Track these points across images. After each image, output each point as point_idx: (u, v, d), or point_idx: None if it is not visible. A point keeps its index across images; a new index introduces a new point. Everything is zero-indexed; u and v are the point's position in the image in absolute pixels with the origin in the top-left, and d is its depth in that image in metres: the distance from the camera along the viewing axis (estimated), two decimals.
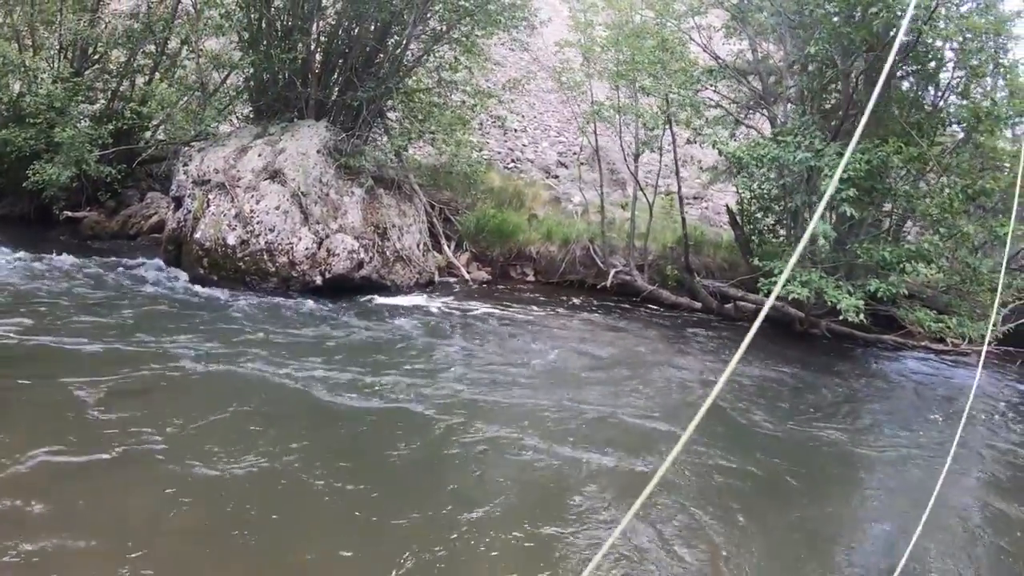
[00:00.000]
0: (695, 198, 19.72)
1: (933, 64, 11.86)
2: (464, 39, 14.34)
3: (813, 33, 12.19)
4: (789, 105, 14.35)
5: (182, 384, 6.81)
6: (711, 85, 14.44)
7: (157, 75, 14.50)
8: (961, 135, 12.77)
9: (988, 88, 12.48)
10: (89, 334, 7.68)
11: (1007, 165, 12.36)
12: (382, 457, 5.91)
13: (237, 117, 14.67)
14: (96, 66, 14.28)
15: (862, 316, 10.71)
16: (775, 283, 10.91)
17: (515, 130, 19.10)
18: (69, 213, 13.40)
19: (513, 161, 19.21)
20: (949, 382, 12.14)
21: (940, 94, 12.65)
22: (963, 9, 11.96)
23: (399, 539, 4.73)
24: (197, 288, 10.43)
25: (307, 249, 10.84)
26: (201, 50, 13.74)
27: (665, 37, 13.87)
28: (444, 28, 13.92)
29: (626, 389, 8.85)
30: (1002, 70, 12.27)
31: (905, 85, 13.05)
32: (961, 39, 11.21)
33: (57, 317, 8.19)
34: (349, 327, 9.53)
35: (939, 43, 11.27)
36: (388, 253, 11.98)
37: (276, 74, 13.14)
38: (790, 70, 13.88)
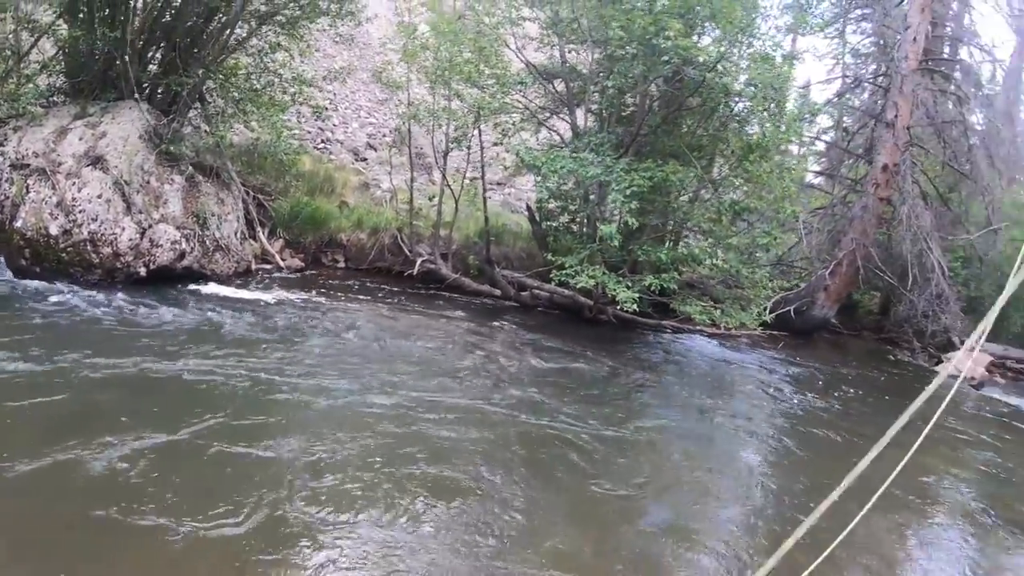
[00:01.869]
0: (499, 183, 20.82)
1: (716, 101, 13.44)
2: (289, 24, 14.61)
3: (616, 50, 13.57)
4: (590, 115, 15.79)
5: None
6: (520, 91, 15.61)
7: None
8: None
9: (764, 119, 14.24)
10: None
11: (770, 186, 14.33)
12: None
13: (51, 89, 14.16)
14: None
15: (636, 306, 12.69)
16: (568, 275, 12.57)
17: (326, 109, 19.50)
18: None
19: (323, 142, 19.64)
20: (721, 360, 14.87)
21: (720, 124, 14.33)
22: (749, 51, 13.66)
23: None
24: (20, 280, 10.50)
25: (131, 240, 11.14)
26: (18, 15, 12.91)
27: (482, 46, 14.83)
28: (271, 10, 14.13)
29: (429, 370, 10.07)
30: (774, 108, 14.13)
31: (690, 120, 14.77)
32: (740, 85, 12.88)
33: None
34: (168, 319, 9.97)
35: (724, 82, 12.78)
36: (208, 243, 12.44)
37: (96, 49, 12.77)
38: (593, 80, 15.14)
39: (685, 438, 9.38)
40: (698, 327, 15.43)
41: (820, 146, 27.71)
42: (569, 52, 16.11)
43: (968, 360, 20.10)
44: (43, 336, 8.33)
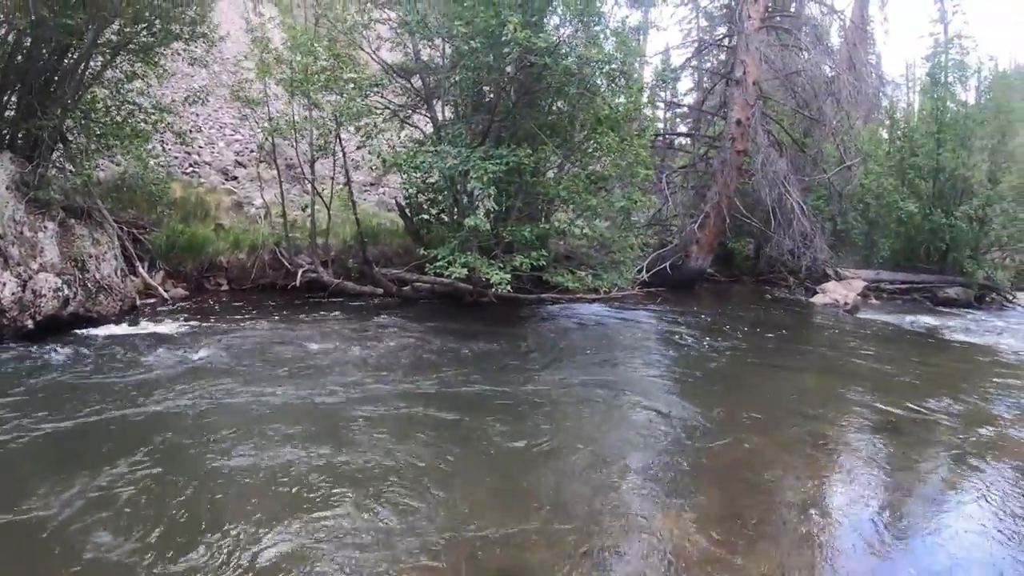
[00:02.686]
0: (372, 184, 21.26)
1: (562, 82, 14.13)
2: (143, 51, 14.68)
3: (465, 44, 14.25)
4: (448, 108, 16.43)
5: None
6: (378, 92, 16.13)
7: None
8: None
9: (609, 93, 15.06)
10: None
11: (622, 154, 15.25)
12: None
13: None
14: None
15: (509, 287, 13.65)
16: (441, 267, 13.34)
17: (190, 131, 19.60)
18: None
19: (191, 166, 19.75)
20: (607, 321, 16.30)
21: (569, 103, 15.07)
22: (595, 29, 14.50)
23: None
24: None
25: (13, 294, 11.19)
26: None
27: (336, 52, 15.27)
28: (124, 40, 14.12)
29: (324, 371, 10.63)
30: (621, 80, 14.97)
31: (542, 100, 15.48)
32: (578, 67, 13.60)
33: None
34: (56, 369, 10.02)
35: (565, 64, 13.47)
36: (90, 285, 12.59)
37: None
38: (447, 74, 15.72)
39: (587, 390, 10.34)
40: (577, 295, 16.34)
41: (684, 108, 28.95)
42: (422, 48, 16.60)
43: (841, 288, 21.51)
44: None
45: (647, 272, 19.49)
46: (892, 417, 9.77)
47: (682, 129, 29.49)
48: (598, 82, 14.30)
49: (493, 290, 14.65)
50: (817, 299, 21.20)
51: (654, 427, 8.94)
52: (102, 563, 5.32)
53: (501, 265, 13.78)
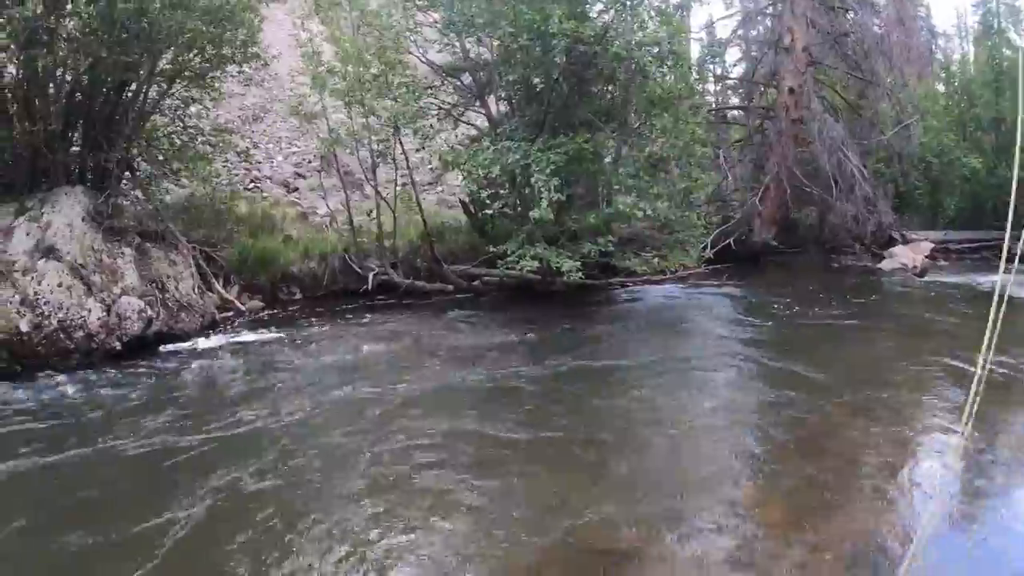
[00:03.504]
0: (431, 184, 21.56)
1: (613, 68, 14.32)
2: (198, 77, 15.14)
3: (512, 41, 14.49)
4: (502, 102, 16.68)
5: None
6: (431, 94, 16.44)
7: None
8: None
9: (661, 79, 15.15)
10: None
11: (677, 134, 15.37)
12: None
13: None
14: None
15: (580, 274, 13.96)
16: (512, 261, 13.59)
17: (248, 150, 20.08)
18: None
19: (252, 181, 20.24)
20: (676, 301, 16.60)
21: (621, 88, 15.23)
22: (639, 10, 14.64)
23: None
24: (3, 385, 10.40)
25: (99, 319, 11.71)
26: None
27: (387, 59, 15.59)
28: (178, 68, 14.58)
29: (407, 367, 11.17)
30: (669, 66, 15.07)
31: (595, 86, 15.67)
32: (627, 52, 13.73)
33: None
34: (151, 385, 10.54)
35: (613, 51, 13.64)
36: (171, 304, 13.10)
37: (18, 146, 13.29)
38: (497, 69, 15.97)
39: (665, 368, 10.76)
40: (645, 277, 16.49)
41: (735, 81, 28.71)
42: (470, 47, 16.87)
43: (909, 251, 21.34)
44: (43, 428, 8.80)
45: (712, 249, 19.49)
46: (970, 378, 9.67)
47: (734, 102, 29.27)
48: (648, 64, 14.40)
49: (562, 278, 14.85)
50: (885, 264, 21.10)
51: (734, 401, 9.26)
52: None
53: (569, 254, 14.00)
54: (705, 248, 18.62)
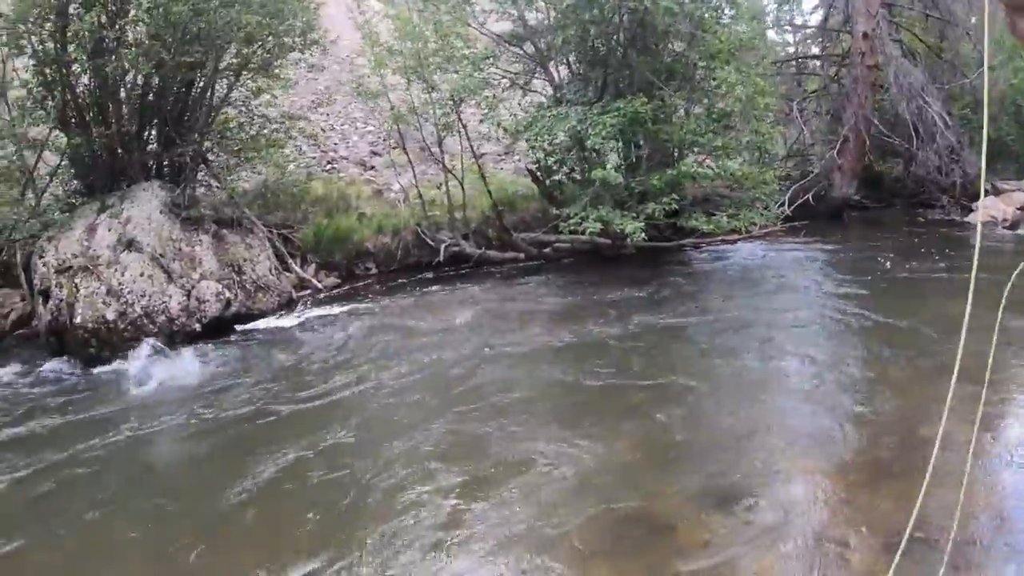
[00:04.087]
0: (506, 153, 21.91)
1: (665, 24, 14.42)
2: (263, 68, 15.78)
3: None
4: (563, 67, 16.91)
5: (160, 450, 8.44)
6: (493, 64, 16.75)
7: None
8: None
9: (721, 31, 15.14)
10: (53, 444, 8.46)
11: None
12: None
13: (65, 192, 15.36)
14: None
15: (644, 235, 14.23)
16: (575, 223, 13.99)
17: (324, 131, 20.75)
18: None
19: (329, 162, 20.83)
20: (754, 261, 16.39)
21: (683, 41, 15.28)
22: None
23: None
24: (94, 369, 11.50)
25: (180, 303, 12.49)
26: (24, 139, 14.22)
27: (445, 33, 15.99)
28: (243, 61, 15.28)
29: (484, 331, 11.85)
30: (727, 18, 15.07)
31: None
32: (679, 6, 13.83)
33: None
34: (242, 358, 11.47)
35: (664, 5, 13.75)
36: (248, 286, 13.79)
37: (96, 148, 14.15)
38: (555, 36, 16.21)
39: (734, 332, 10.84)
40: (719, 237, 16.48)
41: (811, 28, 28.15)
42: (528, 13, 17.11)
43: (1000, 203, 20.77)
44: (141, 405, 9.74)
45: (789, 206, 19.21)
46: None
47: (814, 51, 28.68)
48: (703, 17, 14.42)
49: (629, 241, 15.06)
50: (973, 217, 20.50)
51: (802, 369, 9.18)
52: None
53: (634, 215, 14.19)
54: (782, 205, 18.46)
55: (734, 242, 17.20)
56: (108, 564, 6.05)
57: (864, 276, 13.93)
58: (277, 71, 16.09)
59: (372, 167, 21.07)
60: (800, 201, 19.91)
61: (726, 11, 15.11)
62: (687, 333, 10.89)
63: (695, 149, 15.78)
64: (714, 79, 15.12)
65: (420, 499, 6.31)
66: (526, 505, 6.12)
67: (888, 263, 14.81)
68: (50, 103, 13.90)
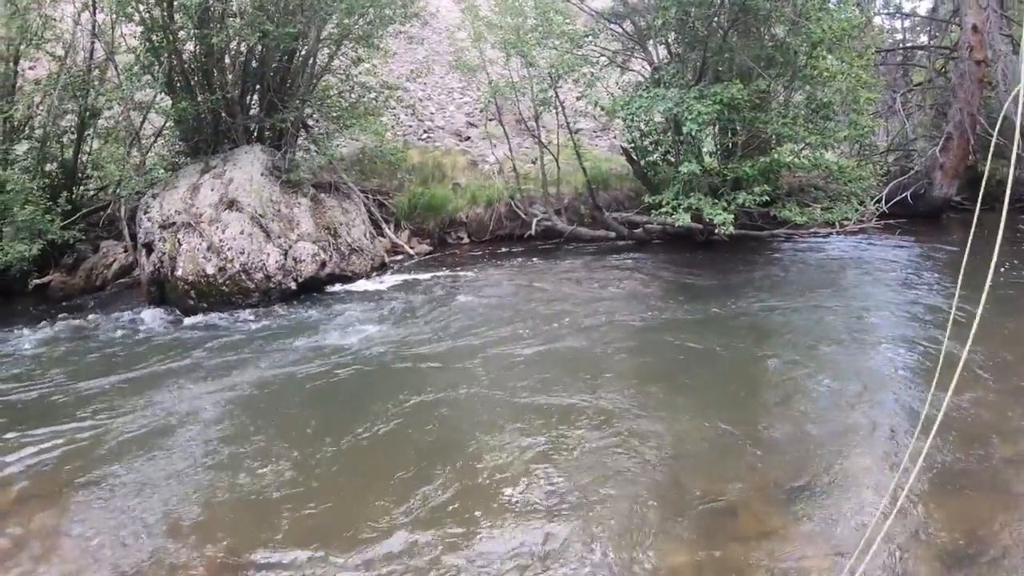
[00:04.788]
0: (603, 130, 22.10)
1: (767, 8, 14.40)
2: (363, 38, 16.37)
3: None
4: (662, 47, 16.96)
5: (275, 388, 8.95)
6: (592, 41, 16.91)
7: (86, 133, 15.21)
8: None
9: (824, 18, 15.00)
10: (152, 382, 9.34)
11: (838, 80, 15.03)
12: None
13: (170, 152, 16.22)
14: (26, 138, 14.79)
15: (731, 227, 13.95)
16: (666, 212, 14.22)
17: (420, 100, 21.22)
18: (38, 280, 13.99)
19: (425, 132, 21.32)
20: (845, 256, 15.88)
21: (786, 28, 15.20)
22: None
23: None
24: (191, 319, 12.33)
25: (277, 262, 13.11)
26: (131, 102, 14.98)
27: (544, 10, 16.22)
28: (343, 31, 15.89)
29: (572, 305, 12.10)
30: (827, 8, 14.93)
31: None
32: None
33: (106, 374, 9.76)
34: (327, 316, 12.04)
35: None
36: (343, 248, 14.36)
37: (202, 111, 14.90)
38: (656, 15, 16.25)
39: (821, 328, 10.66)
40: (811, 229, 16.30)
41: (920, 17, 27.55)
42: None
43: None
44: (241, 353, 10.32)
45: (887, 202, 18.89)
46: None
47: (923, 41, 28.03)
48: (806, 3, 14.34)
49: (720, 229, 15.05)
50: None
51: (886, 371, 8.94)
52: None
53: (725, 204, 14.25)
54: (879, 201, 18.14)
55: (826, 235, 17.02)
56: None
57: (966, 278, 13.25)
58: (376, 41, 16.56)
59: (467, 138, 21.48)
60: (898, 198, 19.54)
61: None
62: (781, 323, 10.89)
63: (791, 139, 15.62)
64: (815, 68, 14.96)
65: (507, 448, 6.85)
66: (599, 469, 6.50)
67: (984, 270, 13.97)
68: (157, 69, 14.71)
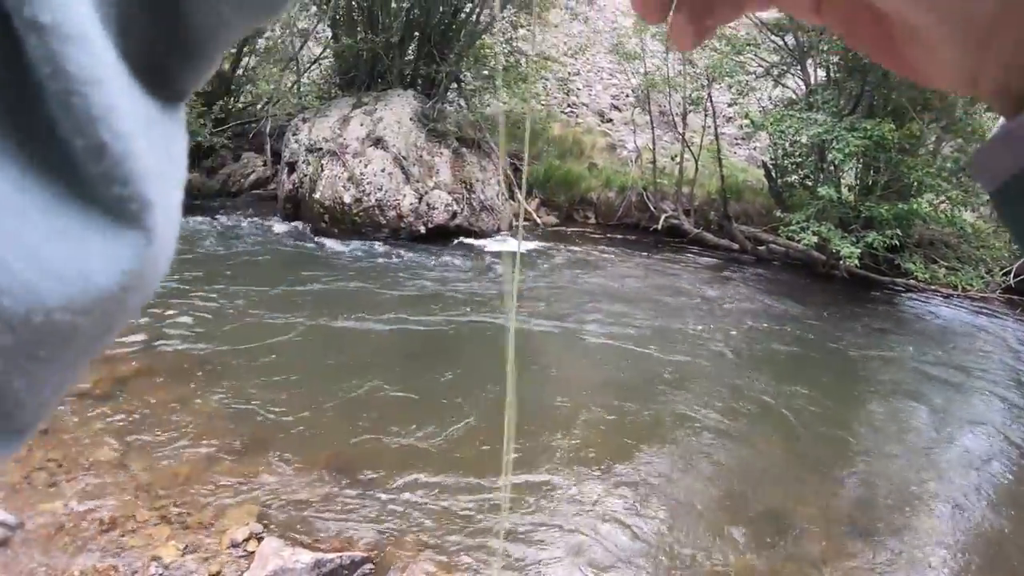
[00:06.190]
0: (743, 139, 22.14)
1: None
2: (527, 6, 16.76)
3: None
4: (820, 69, 16.89)
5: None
6: (752, 49, 16.98)
7: (245, 49, 16.19)
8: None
9: None
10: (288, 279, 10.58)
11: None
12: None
13: (325, 82, 17.04)
14: None
15: (857, 262, 13.94)
16: (794, 231, 14.29)
17: (569, 74, 21.58)
18: None
19: (569, 106, 21.74)
20: (959, 324, 14.88)
21: None
22: None
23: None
24: (323, 239, 13.33)
25: (411, 204, 13.89)
26: (295, 28, 16.06)
27: None
28: None
29: (665, 309, 12.27)
30: None
31: None
32: None
33: (243, 270, 11.01)
34: (452, 266, 12.78)
35: None
36: (475, 204, 15.00)
37: (362, 52, 15.78)
38: (820, 33, 16.24)
39: (917, 391, 10.35)
40: (932, 287, 15.82)
41: None
42: None
43: None
44: (365, 272, 11.32)
45: (1015, 276, 17.79)
46: None
47: None
48: None
49: (843, 263, 14.99)
50: None
51: (973, 448, 8.69)
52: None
53: (854, 240, 14.24)
54: (1007, 274, 17.21)
55: (946, 296, 16.32)
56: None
57: None
58: (539, 11, 16.94)
59: (610, 120, 21.83)
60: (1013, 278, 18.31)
61: None
62: (877, 370, 10.98)
63: (933, 190, 15.23)
64: (969, 124, 14.76)
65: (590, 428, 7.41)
66: (679, 466, 7.10)
67: None
68: (325, 4, 15.41)
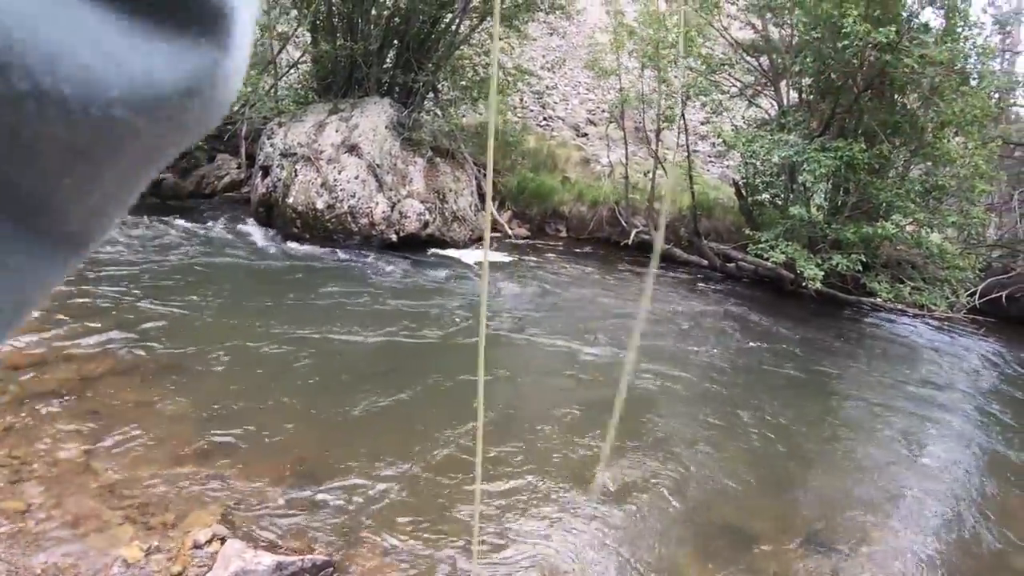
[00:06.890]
0: (717, 157, 22.38)
1: (904, 79, 14.52)
2: (507, 18, 16.98)
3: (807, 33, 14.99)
4: (793, 91, 17.14)
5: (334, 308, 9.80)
6: (727, 69, 17.20)
7: None
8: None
9: (956, 95, 15.00)
10: (252, 290, 10.73)
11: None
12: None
13: (302, 87, 17.15)
14: None
15: (819, 284, 13.98)
16: (762, 249, 14.45)
17: (547, 88, 21.73)
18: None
19: (545, 119, 21.93)
20: (922, 343, 15.15)
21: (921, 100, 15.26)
22: (929, 38, 14.48)
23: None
24: (293, 245, 13.45)
25: (383, 212, 14.02)
26: (274, 31, 16.12)
27: (687, 31, 16.60)
28: (490, 7, 16.34)
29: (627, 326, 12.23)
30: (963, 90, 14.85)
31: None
32: (920, 67, 13.88)
33: (211, 278, 11.03)
34: (424, 276, 12.82)
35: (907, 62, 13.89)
36: (447, 214, 15.17)
37: (340, 56, 15.91)
38: (794, 58, 16.46)
39: (883, 408, 10.32)
40: (899, 306, 16.06)
41: None
42: (772, 28, 17.47)
43: None
44: (336, 279, 11.23)
45: (980, 297, 18.08)
46: None
47: None
48: (942, 83, 14.31)
49: (808, 284, 15.06)
50: None
51: (935, 464, 8.82)
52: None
53: (819, 261, 14.43)
54: (973, 295, 17.50)
55: (913, 316, 16.63)
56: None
57: None
58: (519, 24, 17.10)
59: (584, 134, 22.04)
60: (992, 296, 18.65)
61: (972, 80, 14.87)
62: (841, 386, 11.16)
63: (902, 211, 15.43)
64: (938, 148, 14.97)
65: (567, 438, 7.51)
66: (641, 476, 7.20)
67: None
68: (305, 7, 15.52)
